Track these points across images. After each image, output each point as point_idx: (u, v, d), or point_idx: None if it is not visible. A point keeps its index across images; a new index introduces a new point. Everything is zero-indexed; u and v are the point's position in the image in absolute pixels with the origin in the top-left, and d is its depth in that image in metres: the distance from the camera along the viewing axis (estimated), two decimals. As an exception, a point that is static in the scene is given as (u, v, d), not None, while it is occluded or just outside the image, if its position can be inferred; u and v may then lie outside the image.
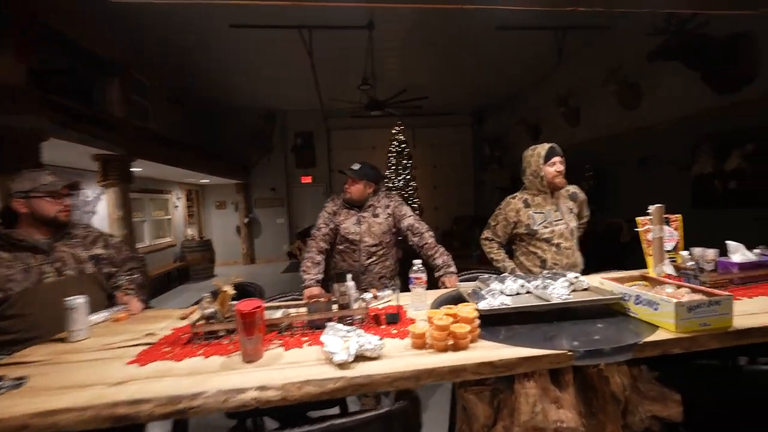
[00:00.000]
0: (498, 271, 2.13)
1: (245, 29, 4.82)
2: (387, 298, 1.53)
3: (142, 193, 6.58)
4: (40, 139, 2.84)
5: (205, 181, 8.56)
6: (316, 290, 1.96)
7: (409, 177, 8.74)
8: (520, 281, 1.44)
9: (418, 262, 1.44)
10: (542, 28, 5.09)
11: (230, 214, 9.59)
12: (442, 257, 2.06)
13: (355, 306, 1.31)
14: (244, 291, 2.14)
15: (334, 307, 1.31)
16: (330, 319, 1.24)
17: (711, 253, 1.50)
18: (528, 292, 1.43)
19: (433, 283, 2.07)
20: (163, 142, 4.96)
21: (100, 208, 4.99)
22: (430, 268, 2.12)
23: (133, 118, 4.22)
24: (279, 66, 6.32)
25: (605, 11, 3.55)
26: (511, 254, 2.21)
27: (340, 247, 2.18)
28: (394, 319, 1.27)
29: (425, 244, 2.11)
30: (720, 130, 4.15)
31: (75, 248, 1.61)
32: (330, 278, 2.34)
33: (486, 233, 2.22)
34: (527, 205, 2.07)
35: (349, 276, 1.34)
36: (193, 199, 9.06)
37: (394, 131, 8.70)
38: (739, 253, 1.52)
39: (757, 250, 1.61)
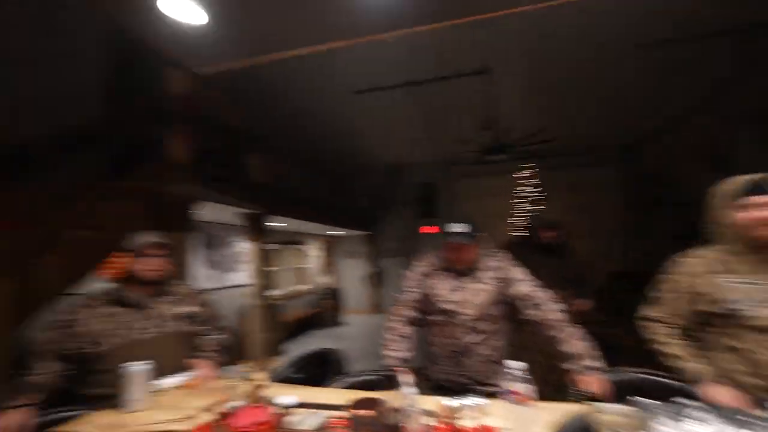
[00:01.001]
0: (671, 373, 1.36)
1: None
2: (467, 410, 1.01)
3: (284, 245, 7.49)
4: (196, 203, 3.48)
5: (338, 232, 9.30)
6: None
7: (544, 226, 7.66)
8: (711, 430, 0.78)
9: (516, 365, 0.94)
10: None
11: (360, 264, 10.10)
12: (576, 343, 1.44)
13: (415, 425, 0.90)
14: (321, 359, 1.94)
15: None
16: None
17: None
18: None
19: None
20: (294, 200, 5.56)
21: (244, 259, 5.81)
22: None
23: (270, 181, 4.86)
24: (395, 122, 6.54)
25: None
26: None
27: (433, 318, 1.76)
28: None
29: (547, 320, 1.53)
30: None
31: (171, 305, 1.67)
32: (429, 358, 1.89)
33: (647, 310, 1.49)
34: (715, 270, 1.30)
35: (408, 379, 0.94)
36: (328, 250, 9.91)
37: (525, 175, 7.91)
38: None
39: None
